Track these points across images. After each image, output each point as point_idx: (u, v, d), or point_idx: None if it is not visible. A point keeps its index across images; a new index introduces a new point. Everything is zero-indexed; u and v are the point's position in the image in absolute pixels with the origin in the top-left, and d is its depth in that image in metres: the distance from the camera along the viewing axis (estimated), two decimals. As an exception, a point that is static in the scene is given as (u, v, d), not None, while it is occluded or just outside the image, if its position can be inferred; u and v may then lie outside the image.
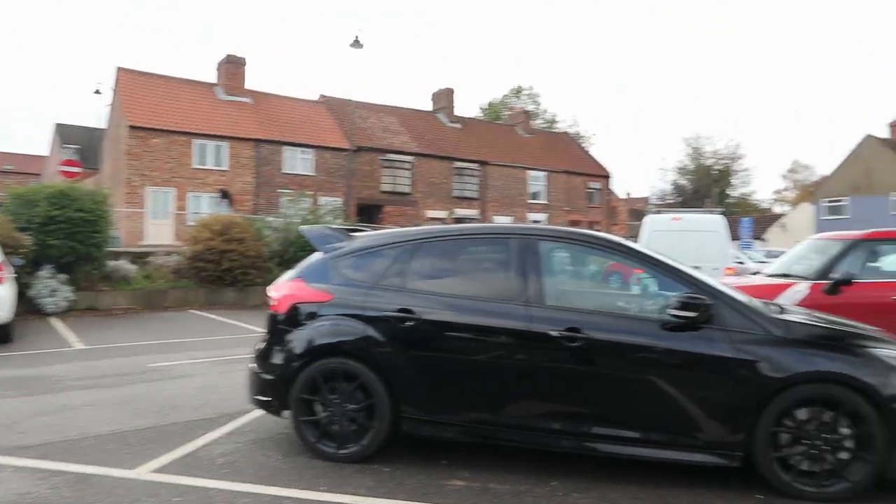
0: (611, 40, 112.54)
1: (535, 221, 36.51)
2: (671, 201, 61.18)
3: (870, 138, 40.87)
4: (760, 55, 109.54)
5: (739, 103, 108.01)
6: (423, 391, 4.36)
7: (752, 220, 33.54)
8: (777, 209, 66.69)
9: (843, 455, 3.92)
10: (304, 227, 5.52)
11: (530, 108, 54.62)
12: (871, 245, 7.37)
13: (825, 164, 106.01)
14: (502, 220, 34.81)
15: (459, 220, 33.48)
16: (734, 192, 67.14)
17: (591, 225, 39.16)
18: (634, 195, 68.59)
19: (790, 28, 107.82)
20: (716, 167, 65.10)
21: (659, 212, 13.37)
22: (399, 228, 5.13)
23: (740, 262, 19.63)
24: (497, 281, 4.52)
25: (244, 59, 32.21)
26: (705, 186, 62.29)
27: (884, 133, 42.91)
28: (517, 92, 60.83)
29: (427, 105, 39.96)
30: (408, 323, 4.38)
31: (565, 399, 4.24)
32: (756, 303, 4.40)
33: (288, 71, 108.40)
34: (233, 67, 31.73)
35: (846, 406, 3.89)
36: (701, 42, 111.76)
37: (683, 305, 3.99)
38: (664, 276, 4.37)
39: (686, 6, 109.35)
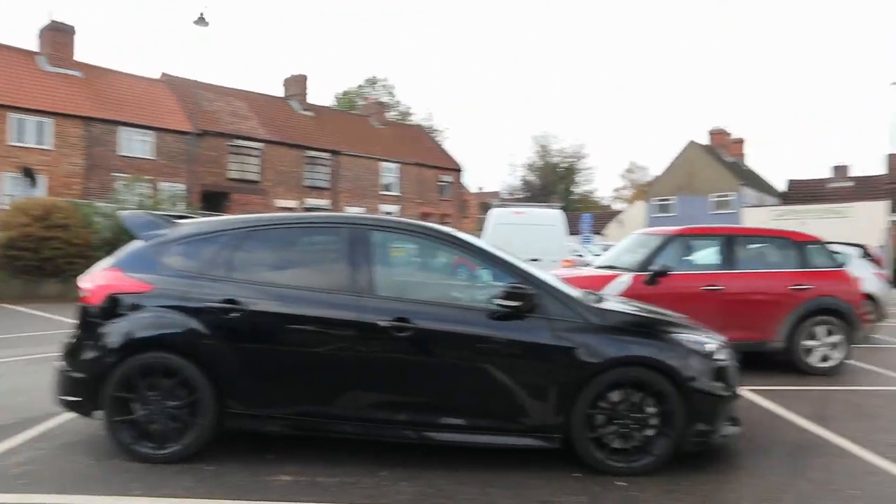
0: (464, 30, 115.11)
1: (388, 213, 36.61)
2: (520, 196, 63.77)
3: (692, 144, 44.95)
4: (597, 60, 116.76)
5: (585, 105, 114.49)
6: (250, 385, 4.21)
7: (592, 216, 35.70)
8: (616, 206, 71.48)
9: (649, 432, 4.26)
10: (122, 213, 5.13)
11: (385, 99, 54.65)
12: (685, 240, 8.11)
13: (658, 165, 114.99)
14: (355, 211, 34.58)
15: (310, 210, 32.85)
16: (578, 189, 71.24)
17: (442, 217, 39.92)
18: (486, 189, 70.73)
19: (632, 36, 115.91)
20: (561, 165, 68.69)
21: (502, 206, 13.88)
22: (230, 216, 4.91)
23: (580, 255, 20.80)
24: (328, 271, 4.46)
25: (73, 27, 29.44)
26: (552, 183, 65.58)
27: (705, 139, 47.40)
28: (372, 82, 60.64)
29: (279, 91, 38.77)
30: (233, 314, 4.20)
31: (395, 389, 4.28)
32: (576, 293, 4.66)
33: (125, 45, 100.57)
34: (59, 36, 28.88)
35: (652, 387, 4.23)
36: (530, 40, 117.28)
37: (508, 295, 4.14)
38: (492, 266, 4.51)
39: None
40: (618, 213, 55.85)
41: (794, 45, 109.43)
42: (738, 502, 3.97)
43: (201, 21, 26.96)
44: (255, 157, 32.75)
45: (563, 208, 14.21)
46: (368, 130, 40.08)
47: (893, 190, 38.45)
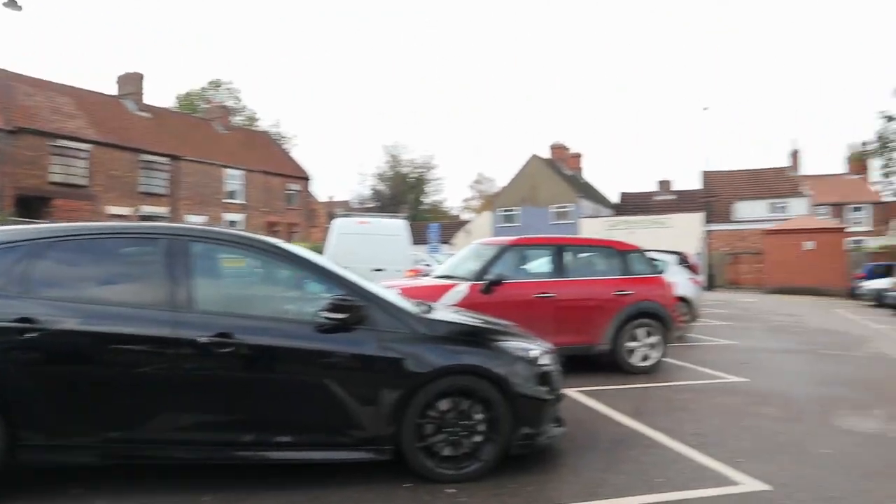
0: (314, 34, 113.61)
1: (232, 222, 35.12)
2: (370, 206, 63.74)
3: (535, 158, 47.25)
4: (446, 74, 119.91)
5: (436, 117, 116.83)
6: (50, 412, 3.81)
7: (439, 226, 36.30)
8: (465, 216, 73.41)
9: (477, 438, 4.37)
10: None
11: (230, 103, 52.54)
12: (520, 250, 8.45)
13: (504, 177, 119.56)
14: (196, 220, 32.79)
15: (146, 219, 30.72)
16: (428, 200, 72.44)
17: (289, 227, 38.97)
18: (337, 198, 69.99)
19: (482, 53, 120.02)
20: (412, 175, 69.56)
21: (346, 215, 13.74)
22: (32, 225, 4.38)
23: (427, 265, 21.09)
24: (143, 285, 4.13)
25: None
26: (402, 193, 66.20)
27: (546, 153, 49.99)
28: (216, 85, 57.98)
29: (112, 89, 35.99)
30: (29, 334, 3.79)
31: (221, 408, 4.06)
32: (406, 303, 4.69)
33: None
34: None
35: (480, 394, 4.34)
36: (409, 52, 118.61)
37: (335, 307, 4.08)
38: (320, 278, 4.42)
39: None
40: (466, 222, 57.38)
41: (629, 70, 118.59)
42: (560, 500, 4.16)
43: (12, 4, 24.36)
44: (83, 159, 30.09)
45: (413, 218, 14.34)
46: (211, 135, 38.26)
47: (708, 203, 42.72)
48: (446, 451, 4.31)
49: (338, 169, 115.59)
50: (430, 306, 5.07)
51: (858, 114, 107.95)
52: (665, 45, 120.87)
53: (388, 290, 5.04)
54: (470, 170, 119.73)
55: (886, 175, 21.61)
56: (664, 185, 53.10)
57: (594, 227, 39.76)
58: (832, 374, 9.04)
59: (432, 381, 4.24)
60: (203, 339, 3.92)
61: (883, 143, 21.18)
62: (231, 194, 36.67)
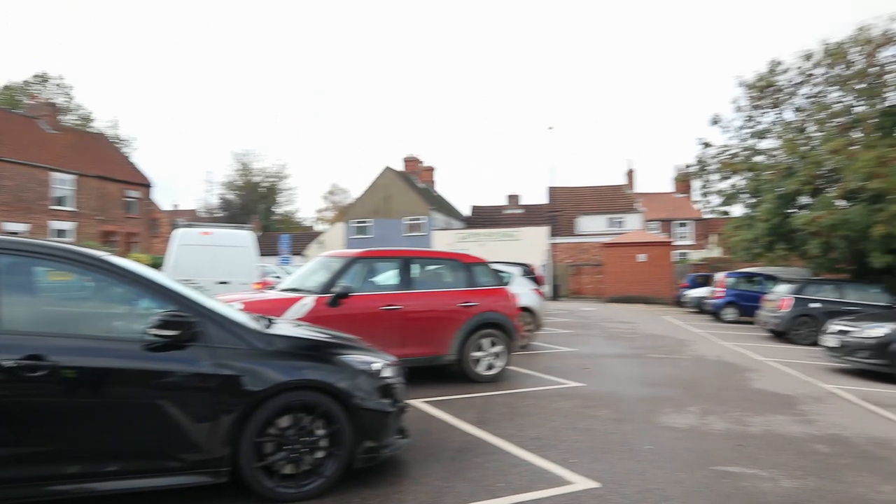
0: (164, 34, 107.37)
1: (60, 231, 32.18)
2: (219, 215, 61.03)
3: (388, 170, 47.53)
4: (299, 83, 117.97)
5: (290, 125, 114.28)
6: None
7: (290, 237, 35.43)
8: (318, 227, 72.26)
9: (320, 454, 4.29)
10: None
11: (59, 100, 48.21)
12: (367, 262, 8.42)
13: (358, 188, 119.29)
14: (15, 228, 29.71)
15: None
16: (280, 210, 70.57)
17: (128, 237, 36.41)
18: (182, 207, 66.36)
19: (327, 62, 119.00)
20: (263, 184, 67.48)
21: (189, 226, 13.00)
22: None
23: (277, 277, 20.50)
24: None
25: None
26: (252, 202, 63.99)
27: (400, 166, 50.46)
28: (43, 80, 52.83)
29: (-89, 80, 31.81)
30: None
31: (35, 439, 3.66)
32: (244, 318, 4.51)
33: None
34: None
35: (321, 409, 4.26)
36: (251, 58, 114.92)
37: (165, 324, 3.84)
38: (148, 293, 4.13)
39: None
40: (319, 234, 56.53)
41: (482, 87, 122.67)
42: (403, 511, 4.17)
43: None
44: None
45: (264, 229, 13.84)
46: (37, 135, 34.85)
47: (553, 216, 45.08)
48: (287, 469, 4.18)
49: (184, 176, 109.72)
50: (270, 321, 4.91)
51: (685, 139, 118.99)
52: (515, 67, 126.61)
53: (225, 304, 4.82)
54: (324, 180, 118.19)
55: (705, 195, 23.85)
56: (513, 199, 55.45)
57: (446, 240, 40.62)
58: (658, 376, 9.83)
59: (271, 397, 4.10)
60: (9, 363, 3.53)
61: (702, 167, 23.39)
62: (59, 200, 33.55)
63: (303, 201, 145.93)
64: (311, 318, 7.06)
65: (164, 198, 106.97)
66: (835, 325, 11.37)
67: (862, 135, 18.85)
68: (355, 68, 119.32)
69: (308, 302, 7.47)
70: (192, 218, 54.15)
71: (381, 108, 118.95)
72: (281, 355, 4.25)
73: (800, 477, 5.11)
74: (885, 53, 19.47)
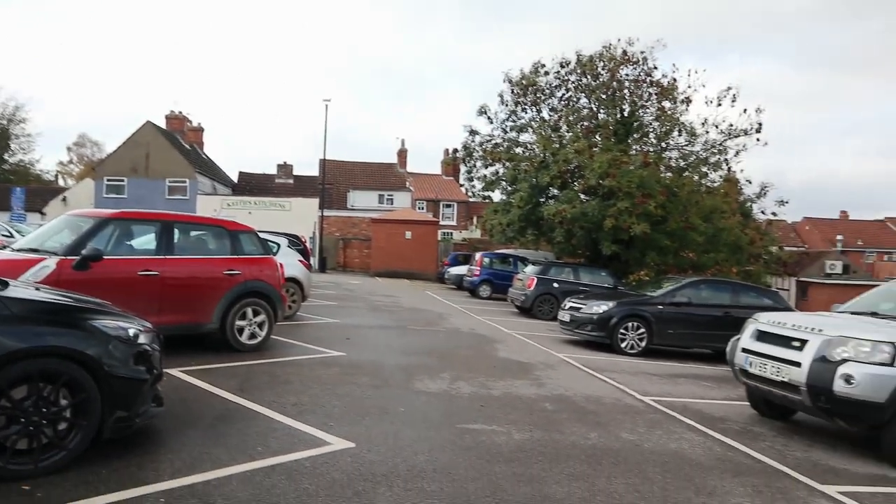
0: None
1: None
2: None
3: (149, 125, 43.64)
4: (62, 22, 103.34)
5: (39, 57, 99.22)
6: None
7: (24, 191, 31.20)
8: (62, 182, 64.17)
9: (62, 425, 4.01)
10: None
11: None
12: (122, 224, 7.81)
13: (113, 142, 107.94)
14: None
15: None
16: (13, 159, 61.47)
17: None
18: None
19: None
20: (-8, 127, 58.19)
21: None
22: None
23: (8, 236, 18.03)
24: None
25: None
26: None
27: (163, 123, 46.64)
28: None
29: None
30: None
31: None
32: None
33: None
34: None
35: (65, 377, 3.98)
36: None
37: None
38: None
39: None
40: (63, 189, 50.39)
41: (257, 52, 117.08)
42: (158, 478, 4.06)
43: None
44: None
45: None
46: None
47: (324, 189, 44.90)
48: (21, 445, 3.85)
49: None
50: (5, 283, 4.44)
51: (456, 124, 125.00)
52: (294, 34, 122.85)
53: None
54: (71, 130, 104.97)
55: (469, 179, 25.57)
56: (284, 169, 54.07)
57: (212, 205, 38.54)
58: (417, 345, 10.49)
59: (3, 366, 3.75)
60: None
61: (468, 153, 25.00)
62: None
63: (44, 151, 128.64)
64: (53, 282, 6.44)
65: None
66: (568, 303, 13.05)
67: (601, 139, 21.59)
68: (126, 20, 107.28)
69: (49, 264, 6.77)
70: None
71: (146, 54, 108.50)
72: (18, 320, 3.88)
73: (528, 430, 5.90)
74: (625, 71, 22.46)
